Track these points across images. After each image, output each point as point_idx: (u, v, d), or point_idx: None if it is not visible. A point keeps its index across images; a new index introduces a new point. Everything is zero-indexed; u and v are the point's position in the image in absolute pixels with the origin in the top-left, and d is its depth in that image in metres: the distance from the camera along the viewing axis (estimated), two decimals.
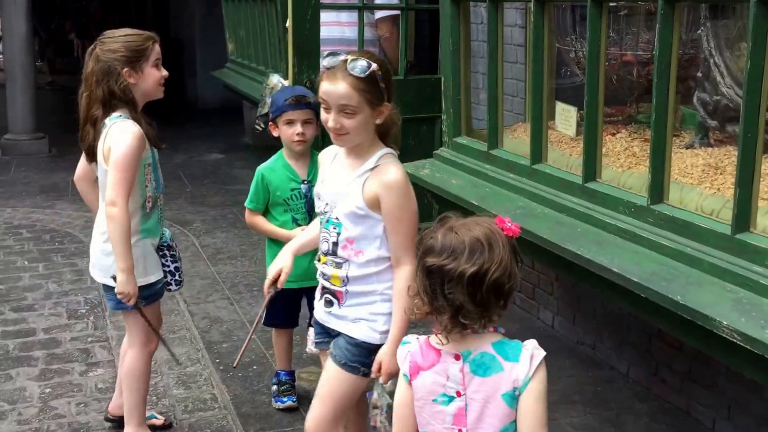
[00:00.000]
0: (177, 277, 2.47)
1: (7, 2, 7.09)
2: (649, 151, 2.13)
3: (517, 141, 2.92)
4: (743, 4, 1.89)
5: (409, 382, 1.46)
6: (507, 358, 1.42)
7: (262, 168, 2.71)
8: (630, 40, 2.70)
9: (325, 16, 3.87)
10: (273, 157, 2.73)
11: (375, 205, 1.88)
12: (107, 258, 2.32)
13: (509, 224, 1.44)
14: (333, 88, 1.85)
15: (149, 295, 2.38)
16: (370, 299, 1.93)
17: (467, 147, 3.04)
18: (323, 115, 1.91)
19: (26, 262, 4.31)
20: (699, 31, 2.33)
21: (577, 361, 3.17)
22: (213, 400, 2.86)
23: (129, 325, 2.46)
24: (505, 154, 2.82)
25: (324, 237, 1.98)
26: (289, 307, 2.79)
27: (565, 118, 2.70)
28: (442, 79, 3.20)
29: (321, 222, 2.00)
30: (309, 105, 2.66)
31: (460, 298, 1.38)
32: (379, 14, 3.88)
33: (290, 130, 2.65)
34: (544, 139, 2.63)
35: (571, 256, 2.19)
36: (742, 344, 1.65)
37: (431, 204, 3.67)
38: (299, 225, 2.65)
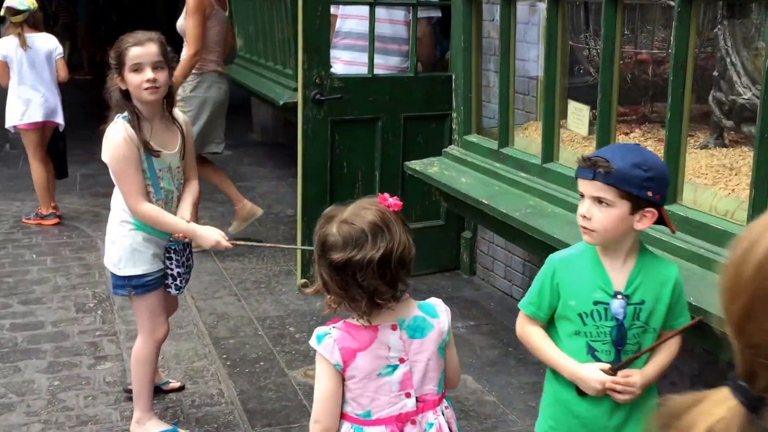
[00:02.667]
0: (177, 283, 2.48)
1: None
2: (663, 151, 2.12)
3: (528, 139, 2.91)
4: (761, 2, 1.87)
5: (343, 370, 1.49)
6: (432, 315, 1.58)
7: (556, 258, 1.76)
8: (645, 38, 2.67)
9: (361, 10, 3.84)
10: (576, 246, 1.77)
11: None
12: (111, 246, 2.44)
13: (391, 200, 1.51)
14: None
15: (138, 285, 2.42)
16: None
17: (477, 145, 3.03)
18: None
19: (34, 256, 4.32)
20: (715, 30, 2.31)
21: None
22: (220, 396, 2.86)
23: (136, 313, 2.54)
24: (516, 153, 2.81)
25: None
26: None
27: (578, 116, 2.68)
28: (453, 76, 3.19)
29: None
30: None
31: (373, 283, 1.44)
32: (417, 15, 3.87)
33: None
34: (556, 138, 2.62)
35: None
36: None
37: (439, 202, 3.67)
38: (597, 358, 1.69)
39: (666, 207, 2.15)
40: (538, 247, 2.52)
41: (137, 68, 2.27)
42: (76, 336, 3.33)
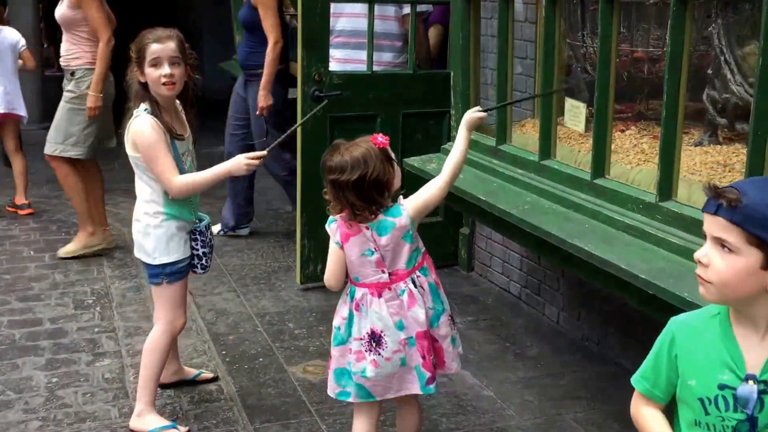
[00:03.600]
0: (204, 262, 2.61)
1: None
2: (658, 148, 2.14)
3: (525, 136, 2.92)
4: (754, 1, 1.88)
5: (341, 247, 2.10)
6: (394, 216, 2.07)
7: (677, 321, 1.43)
8: (641, 36, 2.69)
9: (353, 7, 3.90)
10: (707, 308, 1.40)
11: None
12: (144, 238, 2.52)
13: (380, 139, 2.04)
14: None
15: (172, 272, 2.54)
16: None
17: (475, 142, 3.04)
18: None
19: (32, 252, 4.33)
20: (710, 28, 2.32)
21: (583, 357, 3.18)
22: (219, 392, 2.88)
23: (157, 301, 2.60)
24: (514, 150, 2.82)
25: None
26: None
27: (575, 114, 2.69)
28: (452, 73, 3.20)
29: None
30: None
31: (351, 198, 2.01)
32: (406, 10, 3.90)
33: None
34: (553, 135, 2.63)
35: (579, 252, 2.20)
36: None
37: None
38: None
39: (661, 203, 2.18)
40: (536, 244, 2.54)
41: (156, 63, 2.41)
42: (75, 333, 3.35)
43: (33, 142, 7.13)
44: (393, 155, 2.08)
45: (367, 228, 2.06)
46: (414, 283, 2.10)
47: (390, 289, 2.09)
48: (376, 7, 3.87)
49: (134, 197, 2.61)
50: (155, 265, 2.53)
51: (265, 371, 3.03)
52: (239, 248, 4.45)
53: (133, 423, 2.57)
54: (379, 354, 2.09)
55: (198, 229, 2.58)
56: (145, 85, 2.45)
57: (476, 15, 3.06)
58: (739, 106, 2.28)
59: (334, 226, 2.11)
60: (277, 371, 3.03)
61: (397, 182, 2.09)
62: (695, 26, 2.23)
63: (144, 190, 2.53)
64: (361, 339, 2.10)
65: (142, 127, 2.42)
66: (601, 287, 2.54)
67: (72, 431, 2.60)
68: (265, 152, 2.51)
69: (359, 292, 2.11)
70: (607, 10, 2.24)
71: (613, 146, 2.42)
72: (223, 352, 3.19)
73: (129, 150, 2.48)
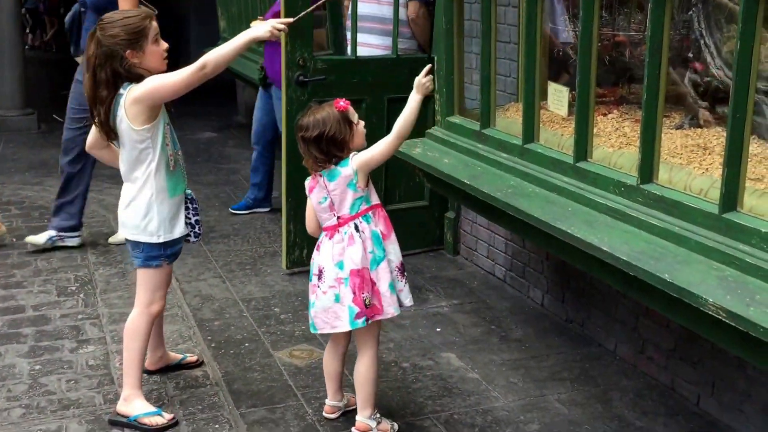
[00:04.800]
0: (197, 230, 2.66)
1: None
2: (639, 132, 2.15)
3: (509, 121, 2.93)
4: None
5: (309, 199, 2.46)
6: (342, 166, 2.39)
7: None
8: (622, 20, 2.70)
9: None
10: None
11: None
12: (144, 219, 2.50)
13: (341, 103, 2.37)
14: None
15: (173, 252, 2.58)
16: None
17: (460, 126, 3.05)
18: None
19: (14, 240, 4.29)
20: (690, 12, 2.34)
21: (566, 339, 3.21)
22: (204, 377, 2.88)
23: (139, 283, 2.60)
24: (498, 134, 2.83)
25: None
26: None
27: (558, 98, 2.71)
28: (436, 58, 3.20)
29: None
30: None
31: (313, 152, 2.37)
32: None
33: None
34: (537, 119, 2.64)
35: (562, 235, 2.22)
36: (727, 321, 1.68)
37: (423, 183, 3.70)
38: None
39: (642, 185, 2.20)
40: (520, 227, 2.55)
41: (157, 39, 2.45)
42: (58, 320, 3.34)
43: (15, 129, 7.08)
44: (354, 118, 2.39)
45: (320, 176, 2.40)
46: (357, 228, 2.39)
47: (338, 231, 2.40)
48: None
49: (118, 184, 2.60)
50: (158, 245, 2.51)
51: (251, 356, 3.04)
52: (225, 234, 4.45)
53: (120, 407, 2.58)
54: (319, 287, 2.41)
55: (189, 197, 2.62)
56: (130, 68, 2.39)
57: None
58: (719, 89, 2.30)
59: (306, 182, 2.45)
60: (263, 356, 3.04)
61: (358, 141, 2.39)
62: (675, 10, 2.24)
63: (139, 170, 2.48)
64: (315, 275, 2.44)
65: (138, 85, 2.38)
66: (584, 270, 2.56)
67: (56, 418, 2.60)
68: (292, 20, 2.61)
69: (321, 235, 2.46)
70: None
71: (595, 130, 2.43)
72: (209, 338, 3.19)
73: (128, 123, 2.41)
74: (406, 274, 2.48)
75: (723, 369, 2.57)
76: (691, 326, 1.95)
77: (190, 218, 2.62)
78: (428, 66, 2.54)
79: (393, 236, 2.47)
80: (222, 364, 2.98)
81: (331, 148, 2.36)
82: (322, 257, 2.42)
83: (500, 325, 3.35)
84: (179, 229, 2.56)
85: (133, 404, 2.55)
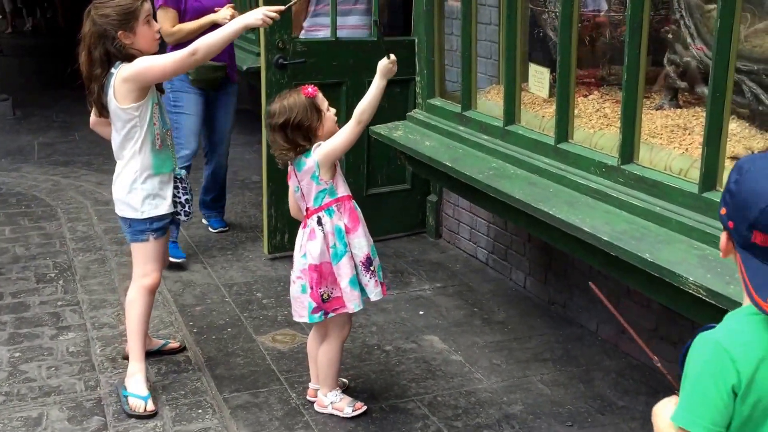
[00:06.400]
0: (187, 209, 2.66)
1: None
2: (620, 112, 2.15)
3: (490, 103, 2.93)
4: None
5: (290, 186, 2.45)
6: (306, 156, 2.35)
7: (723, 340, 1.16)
8: (603, 1, 2.69)
9: None
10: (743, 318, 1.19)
11: None
12: (129, 195, 2.53)
13: (309, 90, 2.34)
14: None
15: (159, 227, 2.58)
16: None
17: (441, 108, 3.04)
18: None
19: None
20: None
21: (549, 320, 3.24)
22: (187, 363, 2.87)
23: (134, 257, 2.64)
24: (479, 116, 2.83)
25: None
26: None
27: (538, 79, 2.70)
28: (416, 40, 3.18)
29: None
30: None
31: (279, 140, 2.34)
32: None
33: None
34: (518, 101, 2.64)
35: (544, 216, 2.22)
36: (707, 299, 1.70)
37: (405, 166, 3.69)
38: None
39: (623, 166, 2.21)
40: (502, 209, 2.56)
41: (149, 21, 2.47)
42: (37, 307, 3.30)
43: None
44: (323, 105, 2.34)
45: (291, 165, 2.39)
46: (319, 221, 2.36)
47: (306, 223, 2.41)
48: None
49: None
50: (142, 220, 2.53)
51: (234, 341, 3.03)
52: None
53: (126, 378, 2.61)
54: (292, 275, 2.44)
55: (179, 176, 2.63)
56: (121, 48, 2.41)
57: None
58: (699, 69, 2.31)
59: (288, 168, 2.44)
60: (246, 341, 3.03)
61: (328, 128, 2.34)
62: None
63: (128, 147, 2.51)
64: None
65: (133, 60, 2.41)
66: (566, 250, 2.57)
67: (36, 405, 2.57)
68: (283, 7, 2.57)
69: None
70: None
71: (576, 111, 2.43)
72: (191, 323, 3.17)
73: (116, 102, 2.43)
74: (372, 268, 2.42)
75: None
76: (672, 305, 1.96)
77: (179, 197, 2.62)
78: (392, 56, 2.47)
79: (360, 229, 2.40)
80: (204, 349, 2.96)
81: (296, 136, 2.31)
82: (296, 246, 2.43)
83: (483, 308, 3.37)
84: (165, 207, 2.56)
85: (132, 380, 2.59)
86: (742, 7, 1.80)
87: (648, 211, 2.02)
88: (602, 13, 2.72)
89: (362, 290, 2.41)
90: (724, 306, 1.66)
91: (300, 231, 2.42)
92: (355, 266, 2.38)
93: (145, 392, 2.57)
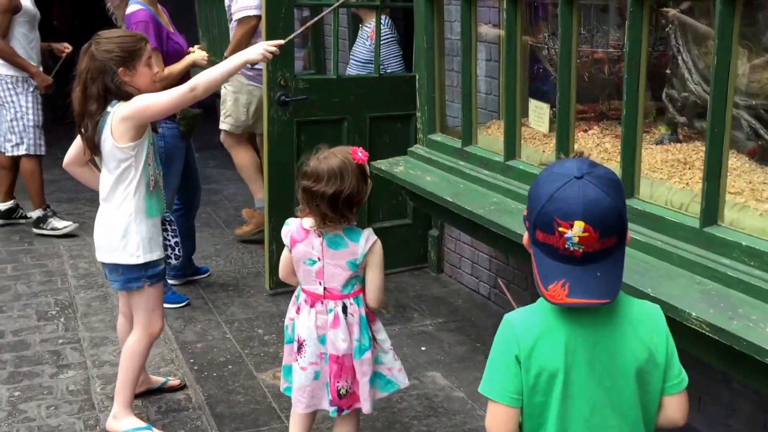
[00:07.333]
0: (176, 252, 2.63)
1: None
2: (620, 147, 2.16)
3: (491, 138, 2.94)
4: (710, 1, 1.92)
5: (290, 251, 2.14)
6: (351, 239, 2.07)
7: (512, 318, 1.44)
8: (601, 37, 2.73)
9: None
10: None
11: None
12: (122, 240, 2.46)
13: (360, 154, 2.04)
14: None
15: (154, 274, 2.52)
16: None
17: (442, 144, 3.06)
18: None
19: None
20: (667, 29, 2.37)
21: None
22: (187, 401, 2.84)
23: (135, 307, 2.57)
24: (479, 151, 2.84)
25: None
26: None
27: (538, 114, 2.72)
28: (417, 76, 3.21)
29: None
30: None
31: (324, 209, 2.01)
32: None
33: None
34: (518, 136, 2.66)
35: None
36: (710, 335, 1.68)
37: (406, 201, 3.69)
38: None
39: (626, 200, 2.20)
40: (503, 244, 2.55)
41: (149, 63, 2.50)
42: (38, 345, 3.28)
43: None
44: (368, 171, 2.09)
45: (320, 235, 2.08)
46: (345, 307, 2.11)
47: (322, 303, 2.12)
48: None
49: (98, 205, 2.57)
50: (137, 266, 2.47)
51: (235, 378, 3.00)
52: (207, 255, 4.40)
53: (110, 424, 2.55)
54: (297, 362, 2.16)
55: (168, 219, 2.60)
56: (120, 85, 2.39)
57: (440, 18, 3.07)
58: (697, 104, 2.32)
59: (285, 230, 2.17)
60: (247, 378, 3.00)
61: (366, 197, 2.09)
62: (653, 27, 2.27)
63: (120, 189, 2.46)
64: (295, 341, 2.19)
65: (132, 98, 2.38)
66: None
67: None
68: (283, 41, 2.60)
69: (302, 296, 2.17)
70: (567, 11, 2.27)
71: (576, 146, 2.44)
72: (192, 360, 3.15)
73: (113, 141, 2.39)
74: (395, 349, 2.24)
75: (708, 384, 2.57)
76: (675, 341, 1.94)
77: (168, 240, 2.59)
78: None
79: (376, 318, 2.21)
80: (205, 387, 2.93)
81: (344, 208, 2.02)
82: (302, 326, 2.13)
83: (485, 343, 3.34)
84: (159, 251, 2.52)
85: (123, 421, 2.54)
86: (739, 42, 1.82)
87: (649, 246, 2.02)
88: (601, 50, 2.75)
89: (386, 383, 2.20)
90: (728, 341, 1.64)
91: (307, 310, 2.13)
92: (371, 363, 2.14)
93: (143, 423, 2.55)
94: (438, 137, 3.10)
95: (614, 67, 2.69)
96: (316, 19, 3.09)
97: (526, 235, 1.40)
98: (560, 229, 1.27)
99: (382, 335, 2.18)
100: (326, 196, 1.98)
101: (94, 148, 2.45)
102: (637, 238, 2.06)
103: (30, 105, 4.63)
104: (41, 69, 4.73)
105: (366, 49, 4.18)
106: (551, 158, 2.48)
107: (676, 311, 1.77)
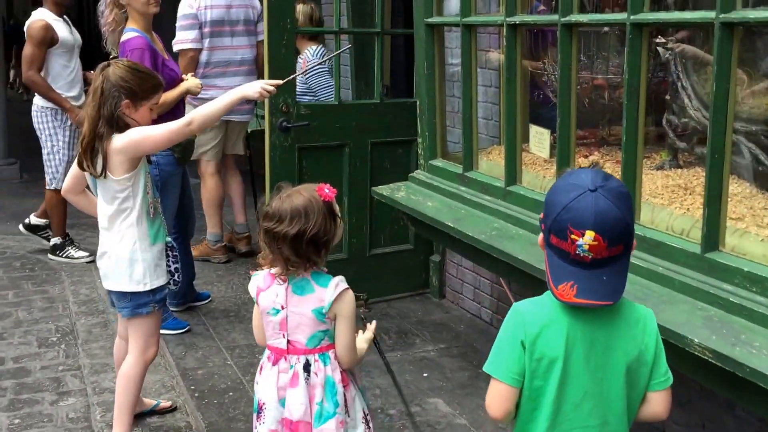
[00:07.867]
0: (176, 278, 2.65)
1: None
2: (620, 173, 2.17)
3: (492, 163, 2.95)
4: (709, 28, 1.94)
5: (257, 302, 1.93)
6: (319, 283, 1.86)
7: (521, 306, 1.58)
8: (600, 64, 2.75)
9: (222, 41, 4.34)
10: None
11: None
12: (129, 267, 2.46)
13: (327, 191, 1.85)
14: None
15: (161, 298, 2.55)
16: None
17: (443, 169, 3.07)
18: None
19: None
20: (667, 55, 2.39)
21: None
22: (188, 428, 2.81)
23: (132, 331, 2.57)
24: (480, 177, 2.85)
25: None
26: None
27: (539, 140, 2.73)
28: (418, 102, 3.23)
29: None
30: None
31: (286, 252, 1.82)
32: (261, 37, 4.10)
33: None
34: (519, 161, 2.66)
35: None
36: (713, 361, 1.67)
37: (407, 226, 3.70)
38: None
39: None
40: (504, 269, 2.55)
41: (153, 107, 2.49)
42: (38, 372, 3.26)
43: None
44: (338, 210, 1.88)
45: (285, 280, 1.86)
46: (307, 365, 1.85)
47: (285, 359, 1.87)
48: (240, 39, 4.38)
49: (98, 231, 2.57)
50: (146, 292, 2.48)
51: (236, 405, 2.98)
52: (208, 281, 4.40)
53: None
54: (256, 429, 1.92)
55: (169, 245, 2.62)
56: (120, 114, 2.37)
57: (440, 44, 3.10)
58: (697, 130, 2.34)
59: (253, 282, 1.94)
60: (248, 405, 2.98)
61: (337, 238, 1.88)
62: (652, 53, 2.28)
63: (120, 219, 2.46)
64: (258, 404, 1.94)
65: (125, 130, 2.37)
66: None
67: None
68: (281, 81, 2.63)
69: (266, 353, 1.94)
70: (566, 37, 2.29)
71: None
72: (192, 387, 3.13)
73: (110, 174, 2.38)
74: (371, 425, 1.96)
75: (712, 410, 2.55)
76: (678, 367, 1.93)
77: (169, 266, 2.60)
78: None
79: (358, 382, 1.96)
80: (206, 414, 2.91)
81: (310, 251, 1.81)
82: (262, 387, 1.90)
83: None
84: (164, 277, 2.54)
85: None
86: (738, 68, 1.83)
87: (651, 272, 2.01)
88: (600, 76, 2.77)
89: None
90: (731, 368, 1.63)
91: (269, 368, 1.89)
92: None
93: None
94: (439, 163, 3.12)
95: (614, 93, 2.71)
96: (318, 63, 3.13)
97: (540, 237, 1.53)
98: (572, 236, 1.40)
99: (358, 404, 1.91)
100: (288, 237, 1.77)
101: (94, 168, 2.39)
102: (639, 263, 2.05)
103: (66, 140, 4.59)
104: (84, 97, 4.72)
105: (299, 79, 4.18)
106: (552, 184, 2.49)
107: (678, 337, 1.76)
